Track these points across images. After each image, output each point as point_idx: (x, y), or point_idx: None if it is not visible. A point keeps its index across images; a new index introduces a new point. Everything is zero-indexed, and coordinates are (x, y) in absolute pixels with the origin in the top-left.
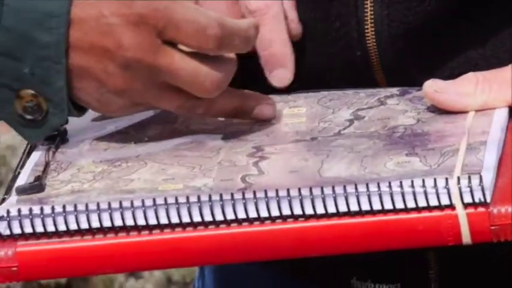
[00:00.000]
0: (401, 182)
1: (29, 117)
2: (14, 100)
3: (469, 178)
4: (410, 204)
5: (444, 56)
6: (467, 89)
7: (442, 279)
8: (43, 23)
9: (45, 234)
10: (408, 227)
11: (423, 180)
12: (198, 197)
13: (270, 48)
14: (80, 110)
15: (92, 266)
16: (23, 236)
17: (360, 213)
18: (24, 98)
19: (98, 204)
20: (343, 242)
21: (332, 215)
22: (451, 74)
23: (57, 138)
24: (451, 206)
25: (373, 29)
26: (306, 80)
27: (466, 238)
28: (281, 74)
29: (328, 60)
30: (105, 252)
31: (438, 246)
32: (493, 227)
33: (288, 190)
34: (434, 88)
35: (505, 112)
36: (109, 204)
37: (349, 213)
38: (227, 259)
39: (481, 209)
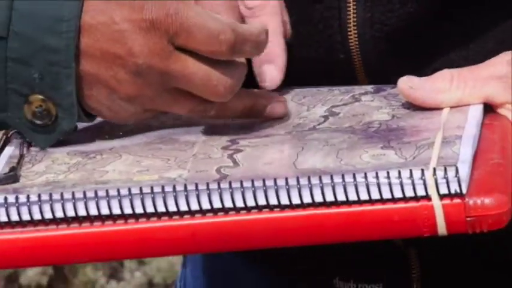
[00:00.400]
0: (377, 173)
1: (38, 122)
2: (24, 105)
3: (445, 169)
4: (386, 195)
5: (427, 58)
6: (442, 85)
7: (424, 280)
8: (53, 28)
9: (20, 223)
10: (384, 218)
11: (399, 172)
12: (174, 187)
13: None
14: (90, 116)
15: (67, 254)
16: None
17: (336, 203)
18: (33, 103)
19: (73, 194)
20: (318, 232)
21: (308, 205)
22: (442, 70)
23: None
24: (427, 197)
25: (355, 31)
26: (289, 82)
27: (442, 229)
28: (271, 71)
29: (312, 63)
30: (80, 241)
31: (417, 242)
32: (468, 218)
33: (263, 180)
34: (409, 84)
35: (479, 108)
36: (84, 193)
37: (324, 204)
38: (202, 249)
39: (456, 200)
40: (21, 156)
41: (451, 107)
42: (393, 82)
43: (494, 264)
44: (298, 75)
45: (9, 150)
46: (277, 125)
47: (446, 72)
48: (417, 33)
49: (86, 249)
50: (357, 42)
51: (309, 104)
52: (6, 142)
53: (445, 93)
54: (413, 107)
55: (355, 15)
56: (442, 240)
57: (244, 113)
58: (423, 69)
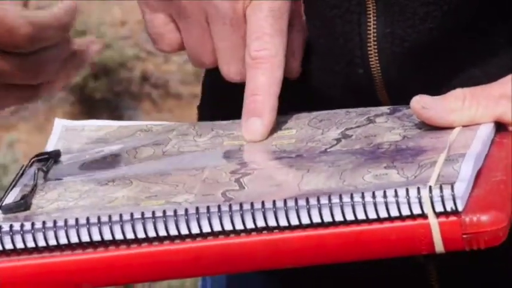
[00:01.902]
0: (373, 193)
1: None
2: None
3: (441, 187)
4: (383, 214)
5: (447, 74)
6: (454, 105)
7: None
8: None
9: (26, 250)
10: (381, 237)
11: (395, 191)
12: (175, 211)
13: (255, 95)
14: None
15: (70, 280)
16: (4, 252)
17: (334, 223)
18: None
19: (76, 220)
20: (317, 253)
21: (306, 226)
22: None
23: (50, 160)
24: (424, 215)
25: (375, 46)
26: (309, 97)
27: (439, 247)
28: (256, 125)
29: (332, 77)
30: (84, 267)
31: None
32: (465, 236)
33: (262, 202)
34: (422, 104)
35: (490, 127)
36: (87, 219)
37: (323, 224)
38: (204, 271)
39: (452, 218)
40: (36, 184)
41: (463, 126)
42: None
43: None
44: (318, 88)
45: (25, 178)
46: (289, 149)
47: (458, 92)
48: (438, 49)
49: (90, 275)
50: (377, 57)
51: (324, 128)
52: (25, 171)
53: (457, 112)
54: (426, 126)
55: (375, 30)
56: (461, 256)
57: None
58: (444, 85)
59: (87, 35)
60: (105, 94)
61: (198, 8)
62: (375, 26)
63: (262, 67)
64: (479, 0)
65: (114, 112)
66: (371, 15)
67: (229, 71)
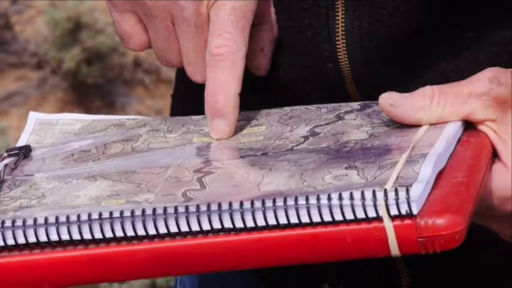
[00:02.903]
0: (329, 195)
1: None
2: None
3: (396, 191)
4: (338, 216)
5: (416, 69)
6: (423, 102)
7: (414, 287)
8: None
9: None
10: (336, 240)
11: (351, 193)
12: (132, 212)
13: (216, 96)
14: None
15: (31, 279)
16: None
17: (290, 226)
18: None
19: (34, 220)
20: (272, 255)
21: (263, 228)
22: (424, 87)
23: (20, 155)
24: (379, 218)
25: (344, 41)
26: (281, 90)
27: (394, 250)
28: (220, 125)
29: (301, 71)
30: (43, 266)
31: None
32: (420, 239)
33: (219, 204)
34: (389, 101)
35: (457, 125)
36: (45, 219)
37: (278, 226)
38: (161, 272)
39: (407, 221)
40: (2, 181)
41: (430, 124)
42: (382, 92)
43: (483, 271)
44: (287, 82)
45: None
46: (257, 146)
47: (427, 89)
48: (406, 43)
49: (49, 274)
50: (345, 52)
51: (293, 125)
52: None
53: (424, 110)
54: (394, 124)
55: (343, 24)
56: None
57: None
58: (414, 79)
59: (80, 20)
60: (98, 80)
61: (163, 10)
62: (343, 20)
63: (222, 65)
64: None
65: (107, 98)
66: (339, 9)
67: (193, 72)
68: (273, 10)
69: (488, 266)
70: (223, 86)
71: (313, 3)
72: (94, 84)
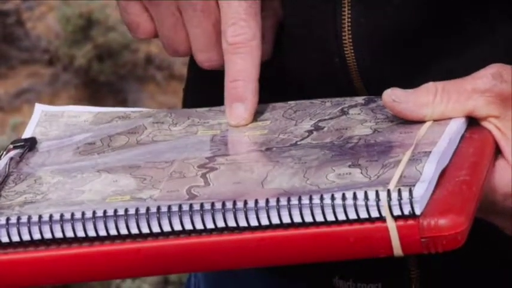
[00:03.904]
0: (332, 195)
1: None
2: None
3: (399, 191)
4: (341, 216)
5: (423, 65)
6: (426, 99)
7: (423, 279)
8: None
9: None
10: (340, 239)
11: (354, 193)
12: (137, 210)
13: (237, 80)
14: None
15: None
16: None
17: (293, 225)
18: None
19: (39, 217)
20: (276, 254)
21: (266, 227)
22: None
23: (25, 148)
24: (382, 219)
25: (350, 36)
26: (288, 85)
27: (397, 250)
28: (239, 110)
29: (308, 66)
30: (47, 264)
31: None
32: (423, 239)
33: (223, 203)
34: (393, 97)
35: (460, 122)
36: (50, 216)
37: (282, 226)
38: (165, 270)
39: (410, 222)
40: (7, 175)
41: (434, 121)
42: (389, 87)
43: (492, 263)
44: (293, 78)
45: None
46: (261, 141)
47: (431, 85)
48: (413, 40)
49: (52, 272)
50: (351, 47)
51: (297, 119)
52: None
53: (428, 107)
54: (397, 120)
55: (349, 19)
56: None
57: None
58: (421, 75)
59: (92, 17)
60: (110, 77)
61: None
62: (349, 15)
63: (241, 51)
64: None
65: (119, 95)
66: (345, 4)
67: (203, 58)
68: None
69: (498, 259)
70: (243, 71)
71: None
72: (106, 81)
